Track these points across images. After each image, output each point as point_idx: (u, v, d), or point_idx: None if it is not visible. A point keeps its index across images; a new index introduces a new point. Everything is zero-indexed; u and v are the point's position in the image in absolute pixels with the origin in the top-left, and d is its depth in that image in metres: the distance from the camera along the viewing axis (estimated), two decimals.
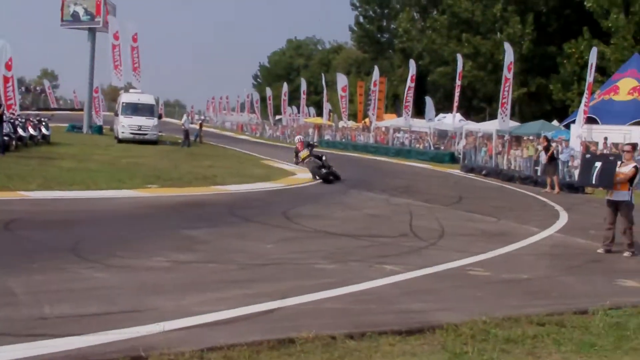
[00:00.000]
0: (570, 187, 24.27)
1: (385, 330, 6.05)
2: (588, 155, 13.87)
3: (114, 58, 46.76)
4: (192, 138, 42.32)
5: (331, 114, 68.14)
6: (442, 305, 7.27)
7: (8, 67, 30.61)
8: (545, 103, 52.17)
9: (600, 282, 9.06)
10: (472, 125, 42.28)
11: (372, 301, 7.20)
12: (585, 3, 43.84)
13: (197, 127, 48.68)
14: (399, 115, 56.53)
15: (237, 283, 7.60)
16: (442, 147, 43.68)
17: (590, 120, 31.35)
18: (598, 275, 9.61)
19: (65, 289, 6.87)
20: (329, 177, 22.07)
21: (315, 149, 25.48)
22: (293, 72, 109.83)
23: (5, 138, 24.44)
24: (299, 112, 73.82)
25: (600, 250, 11.21)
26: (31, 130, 29.13)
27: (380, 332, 5.97)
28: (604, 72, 40.90)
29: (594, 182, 11.53)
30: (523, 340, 6.04)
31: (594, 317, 6.94)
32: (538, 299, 7.83)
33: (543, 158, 25.89)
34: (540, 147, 27.18)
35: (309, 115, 70.83)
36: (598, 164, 11.28)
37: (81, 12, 48.75)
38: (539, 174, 28.79)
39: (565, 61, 47.26)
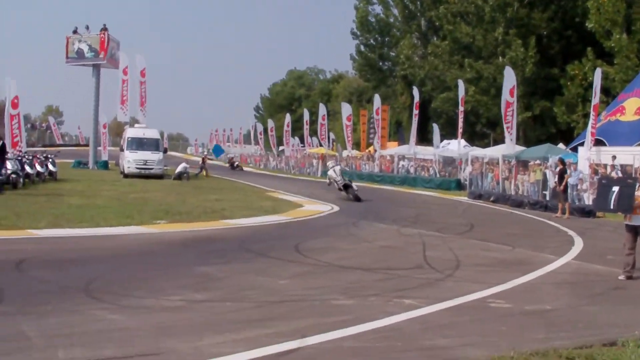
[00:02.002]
0: (581, 211, 24.08)
1: None
2: (605, 180, 13.64)
3: (122, 93, 46.95)
4: (196, 172, 42.32)
5: (334, 143, 68.16)
6: (466, 341, 7.05)
7: (14, 105, 30.84)
8: (549, 126, 51.91)
9: (626, 311, 8.81)
10: (477, 151, 42.10)
11: (394, 338, 7.00)
12: (586, 24, 43.83)
13: (200, 161, 48.42)
14: (401, 143, 56.47)
15: (255, 322, 7.40)
16: (448, 175, 43.49)
17: (597, 142, 31.11)
18: (623, 303, 9.36)
19: (80, 332, 6.71)
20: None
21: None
22: (295, 103, 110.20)
23: (13, 175, 24.47)
24: (301, 143, 73.77)
25: (621, 277, 10.96)
26: (38, 167, 29.17)
27: None
28: (609, 93, 40.75)
29: (612, 207, 11.27)
30: None
31: (624, 349, 6.70)
32: (564, 331, 7.60)
33: (552, 182, 25.68)
34: (550, 171, 26.98)
35: (312, 146, 70.77)
36: (615, 189, 11.05)
37: (85, 49, 49.13)
38: (547, 198, 28.56)
39: (569, 83, 47.10)
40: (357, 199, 27.25)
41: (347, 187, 28.18)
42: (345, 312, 8.00)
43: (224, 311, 7.88)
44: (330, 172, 29.22)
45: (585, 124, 34.32)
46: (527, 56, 49.13)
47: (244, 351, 6.17)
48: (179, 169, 38.36)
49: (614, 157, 28.35)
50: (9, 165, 24.52)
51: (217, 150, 64.72)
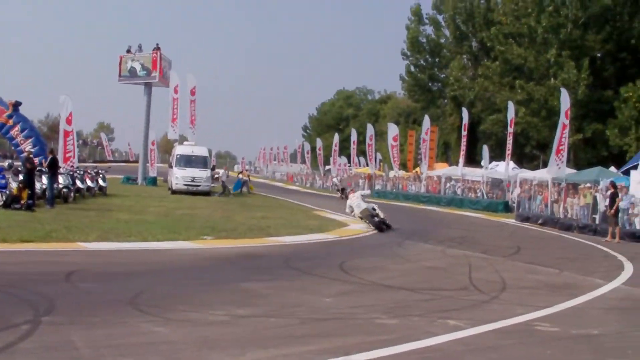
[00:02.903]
0: (632, 236, 23.70)
1: None
2: None
3: (173, 111, 47.67)
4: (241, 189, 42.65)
5: (381, 163, 68.10)
6: None
7: (68, 121, 31.56)
8: (601, 149, 51.21)
9: None
10: (526, 173, 41.68)
11: (437, 359, 6.97)
12: None
13: (243, 177, 48.02)
14: (450, 164, 56.17)
15: (299, 339, 7.42)
16: (495, 196, 43.10)
17: None
18: None
19: (127, 344, 6.79)
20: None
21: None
22: (342, 122, 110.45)
23: (64, 190, 25.00)
24: (348, 162, 73.84)
25: None
26: (89, 182, 29.77)
27: None
28: None
29: None
30: None
31: None
32: (612, 357, 7.51)
33: (602, 205, 25.27)
34: (601, 194, 26.56)
35: (359, 165, 70.76)
36: None
37: (138, 67, 50.11)
38: (597, 222, 28.10)
39: (622, 105, 46.36)
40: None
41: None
42: (388, 332, 7.96)
43: (268, 327, 7.89)
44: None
45: (638, 147, 33.67)
46: (579, 78, 48.64)
47: None
48: (222, 176, 39.63)
49: None
50: (60, 179, 25.05)
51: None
